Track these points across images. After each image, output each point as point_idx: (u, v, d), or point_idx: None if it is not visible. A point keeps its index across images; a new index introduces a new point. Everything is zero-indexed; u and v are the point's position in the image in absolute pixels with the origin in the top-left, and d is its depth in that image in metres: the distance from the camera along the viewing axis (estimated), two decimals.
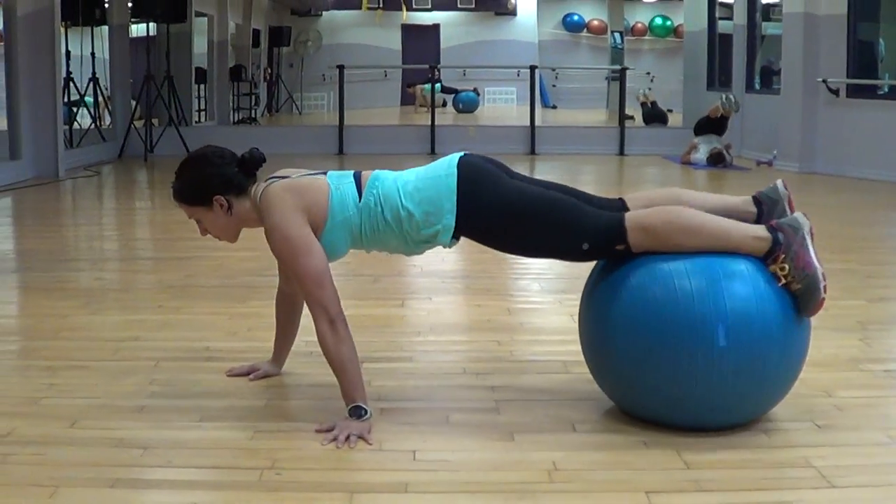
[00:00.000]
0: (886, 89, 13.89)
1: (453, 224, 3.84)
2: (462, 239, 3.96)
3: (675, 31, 31.83)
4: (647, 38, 34.00)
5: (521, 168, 13.33)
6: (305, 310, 4.19)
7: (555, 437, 3.74)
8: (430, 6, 31.85)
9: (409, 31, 31.62)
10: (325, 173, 4.03)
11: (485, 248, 4.10)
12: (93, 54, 15.81)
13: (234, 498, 3.22)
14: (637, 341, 3.65)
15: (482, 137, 17.32)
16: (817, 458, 3.51)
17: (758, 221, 3.84)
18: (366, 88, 27.04)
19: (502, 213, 3.83)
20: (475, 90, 28.63)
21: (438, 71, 23.96)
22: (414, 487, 3.29)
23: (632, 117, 19.84)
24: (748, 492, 3.28)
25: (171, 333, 5.26)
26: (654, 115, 20.67)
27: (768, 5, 16.66)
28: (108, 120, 16.58)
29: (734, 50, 16.83)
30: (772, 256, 3.65)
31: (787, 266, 3.63)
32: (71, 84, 15.13)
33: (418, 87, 27.94)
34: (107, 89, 16.39)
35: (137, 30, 17.60)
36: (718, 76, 18.33)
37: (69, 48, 14.98)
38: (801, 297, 3.66)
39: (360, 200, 3.91)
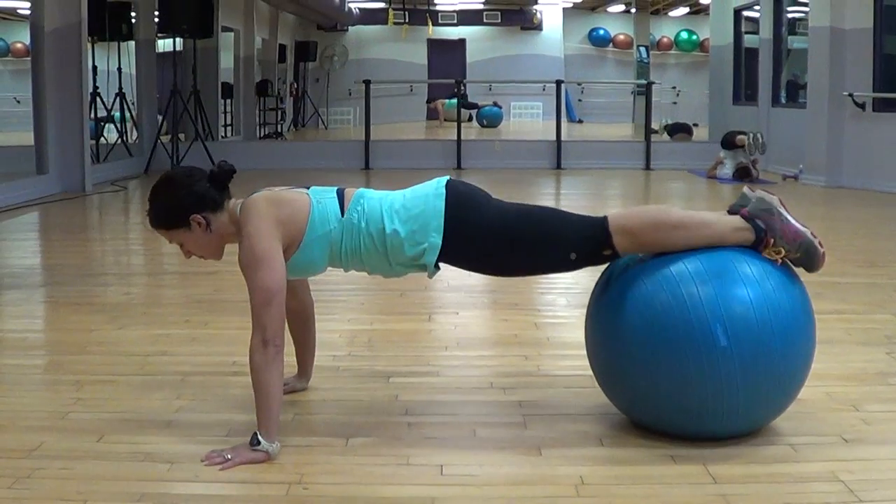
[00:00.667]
0: None
1: (439, 243, 3.80)
2: None
3: (701, 46, 31.83)
4: (672, 52, 33.99)
5: (547, 183, 13.33)
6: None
7: (582, 452, 3.73)
8: (455, 21, 31.93)
9: (434, 45, 31.71)
10: (307, 189, 4.01)
11: None
12: (119, 69, 15.91)
13: None
14: (641, 349, 3.65)
15: (508, 152, 17.34)
16: (845, 472, 3.49)
17: None
18: (392, 103, 27.07)
19: (491, 233, 3.80)
20: (495, 103, 28.65)
21: (464, 86, 23.97)
22: (441, 502, 3.28)
23: (657, 131, 19.84)
24: None
25: (198, 348, 5.27)
26: (678, 127, 20.73)
27: (794, 19, 16.63)
28: (134, 135, 16.65)
29: (760, 64, 16.82)
30: (762, 243, 3.71)
31: (781, 248, 3.70)
32: (98, 99, 15.20)
33: (438, 101, 28.01)
34: (133, 104, 16.45)
35: (164, 45, 17.65)
36: (744, 90, 18.31)
37: (96, 63, 15.06)
38: (804, 262, 3.76)
39: (342, 216, 3.88)
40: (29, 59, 13.67)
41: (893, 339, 5.39)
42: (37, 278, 7.47)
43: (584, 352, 4.87)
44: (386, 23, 26.09)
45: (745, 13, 18.50)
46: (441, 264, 3.90)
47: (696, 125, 22.04)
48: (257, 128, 22.77)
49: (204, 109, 16.59)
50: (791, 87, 16.70)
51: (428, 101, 29.75)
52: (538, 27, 33.05)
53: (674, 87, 31.08)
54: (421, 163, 16.61)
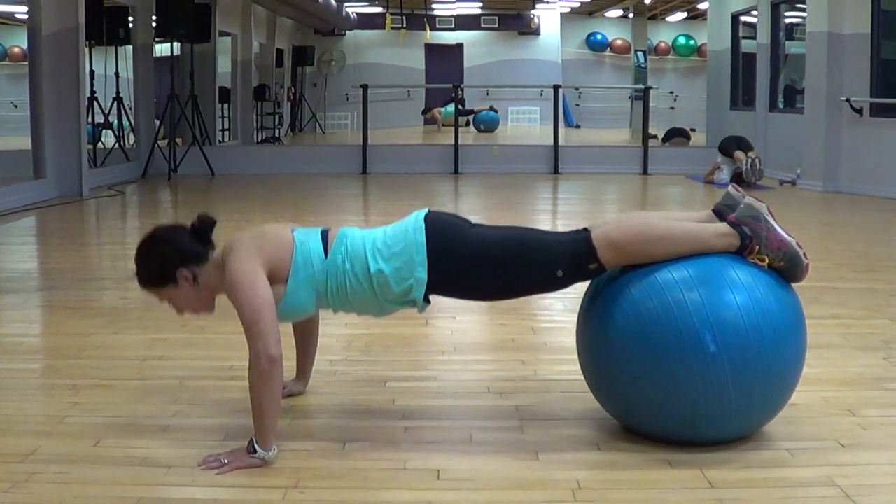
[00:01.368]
0: None
1: (426, 277, 3.78)
2: None
3: (699, 51, 31.89)
4: (670, 57, 34.05)
5: (544, 187, 13.33)
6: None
7: (579, 456, 3.73)
8: (453, 26, 31.95)
9: (432, 50, 31.72)
10: (293, 229, 3.99)
11: None
12: (117, 74, 15.90)
13: None
14: (631, 357, 3.65)
15: (505, 157, 17.35)
16: (841, 477, 3.49)
17: None
18: (389, 108, 27.12)
19: (474, 260, 3.79)
20: (492, 107, 28.68)
21: (462, 91, 23.98)
22: None
23: (655, 136, 19.86)
24: None
25: (195, 352, 5.27)
26: (674, 132, 20.73)
27: (792, 24, 16.64)
28: (131, 139, 16.64)
29: (758, 69, 16.82)
30: (746, 250, 3.71)
31: (765, 256, 3.70)
32: (95, 103, 15.20)
33: (435, 110, 28.03)
34: (131, 109, 16.45)
35: (161, 49, 17.68)
36: (742, 95, 18.32)
37: (93, 67, 15.06)
38: (788, 272, 3.75)
39: (326, 257, 3.85)
40: (26, 63, 13.68)
41: (890, 344, 5.39)
42: (34, 282, 7.47)
43: None
44: (383, 27, 26.10)
45: (743, 18, 18.50)
46: (431, 296, 3.89)
47: (693, 130, 22.06)
48: (255, 132, 22.78)
49: (201, 114, 16.59)
50: (788, 92, 16.72)
51: (424, 112, 29.73)
52: (536, 32, 33.06)
53: (671, 92, 31.17)
54: (418, 167, 16.63)
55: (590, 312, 3.88)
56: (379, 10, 27.92)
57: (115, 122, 16.05)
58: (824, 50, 13.82)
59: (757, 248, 3.70)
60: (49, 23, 12.54)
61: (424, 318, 6.02)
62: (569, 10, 31.51)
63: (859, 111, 13.62)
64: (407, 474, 3.55)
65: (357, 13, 29.45)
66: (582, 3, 29.65)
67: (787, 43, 16.73)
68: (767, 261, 3.69)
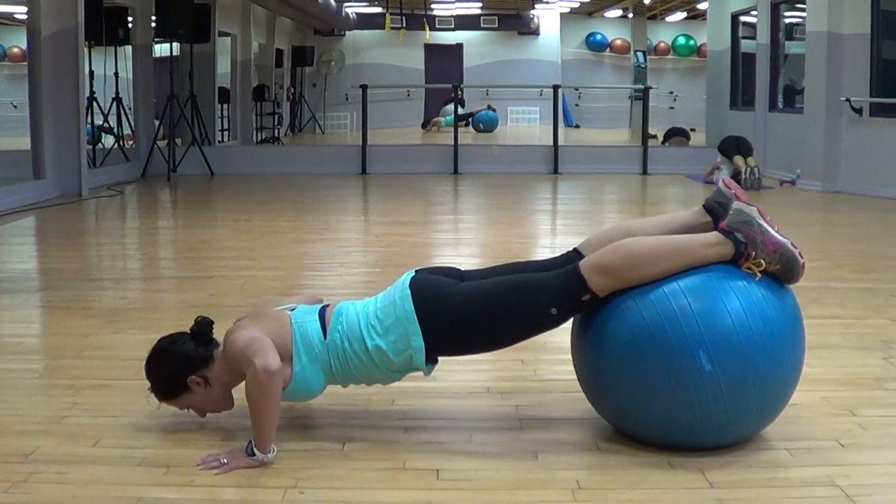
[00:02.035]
0: None
1: (423, 345, 3.77)
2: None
3: (698, 51, 31.88)
4: (670, 57, 34.05)
5: (544, 188, 13.31)
6: None
7: (579, 457, 3.73)
8: (453, 26, 31.95)
9: (431, 50, 31.71)
10: (291, 309, 3.99)
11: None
12: (116, 74, 15.89)
13: None
14: (626, 373, 3.64)
15: (505, 157, 17.35)
16: (841, 476, 3.49)
17: (715, 229, 3.80)
18: (389, 108, 27.12)
19: (466, 318, 3.76)
20: (489, 106, 28.69)
21: (461, 91, 23.97)
22: None
23: (655, 136, 19.86)
24: None
25: None
26: (674, 131, 20.73)
27: (791, 24, 16.64)
28: (130, 140, 16.65)
29: (757, 69, 16.82)
30: (742, 257, 3.64)
31: (762, 261, 3.63)
32: (94, 104, 15.20)
33: (434, 120, 28.05)
34: (130, 109, 16.45)
35: (161, 50, 17.68)
36: (741, 95, 18.32)
37: (93, 68, 15.05)
38: (784, 273, 3.69)
39: (325, 338, 3.85)
40: (26, 63, 13.68)
41: (890, 343, 5.38)
42: (33, 283, 7.46)
43: None
44: (383, 27, 26.06)
45: (743, 18, 18.50)
46: (439, 357, 3.91)
47: (693, 130, 22.05)
48: (254, 132, 22.77)
49: (201, 114, 16.59)
50: (788, 92, 16.72)
51: (423, 126, 29.64)
52: (535, 32, 33.05)
53: (671, 92, 31.16)
54: (418, 168, 16.63)
55: (585, 326, 3.84)
56: (378, 10, 27.90)
57: (115, 122, 16.03)
58: (824, 50, 13.82)
59: (753, 253, 3.63)
60: (48, 23, 12.54)
61: None
62: (568, 10, 31.49)
63: (859, 111, 13.62)
64: (406, 475, 3.55)
65: (356, 13, 29.44)
66: (581, 3, 29.64)
67: (786, 43, 16.73)
68: (764, 266, 3.62)
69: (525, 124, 31.55)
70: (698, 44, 32.13)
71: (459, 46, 32.86)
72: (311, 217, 11.27)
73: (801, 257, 3.69)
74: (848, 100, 13.62)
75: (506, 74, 30.97)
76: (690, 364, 3.49)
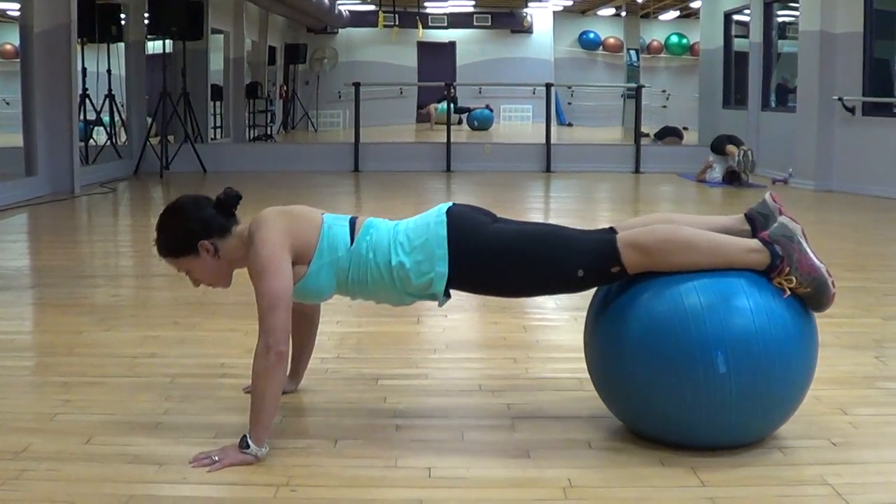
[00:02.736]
0: None
1: (446, 271, 3.78)
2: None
3: (691, 49, 31.91)
4: (662, 55, 34.07)
5: (536, 186, 13.30)
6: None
7: (570, 455, 3.73)
8: (445, 24, 31.96)
9: (424, 48, 31.73)
10: (322, 213, 4.00)
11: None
12: (109, 71, 15.87)
13: None
14: (641, 367, 3.63)
15: (498, 155, 17.35)
16: (833, 475, 3.50)
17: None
18: (381, 106, 27.10)
19: (495, 256, 3.78)
20: (488, 106, 28.71)
21: (454, 89, 24.01)
22: None
23: (647, 135, 19.88)
24: None
25: (186, 350, 5.27)
26: (667, 131, 20.74)
27: (784, 23, 16.66)
28: (123, 137, 16.62)
29: (750, 68, 16.83)
30: (776, 270, 3.63)
31: (793, 278, 3.62)
32: (87, 101, 15.18)
33: (431, 106, 28.03)
34: (123, 106, 16.43)
35: (154, 47, 17.64)
36: (734, 94, 18.34)
37: (85, 65, 15.03)
38: (812, 299, 3.69)
39: (351, 245, 3.86)
40: (18, 60, 13.64)
41: (882, 343, 5.40)
42: (25, 280, 7.46)
43: (573, 355, 4.88)
44: (376, 25, 26.11)
45: (736, 17, 18.52)
46: (451, 291, 3.90)
47: (685, 129, 22.07)
48: (247, 130, 22.74)
49: (193, 111, 16.58)
50: (781, 91, 16.73)
51: (420, 107, 29.70)
52: (528, 30, 33.07)
53: (664, 91, 31.18)
54: (410, 166, 16.63)
55: (602, 314, 3.84)
56: (371, 7, 27.93)
57: (108, 119, 16.01)
58: (817, 49, 13.83)
59: (787, 269, 3.61)
60: (41, 20, 12.52)
61: (416, 315, 6.03)
62: (561, 8, 31.52)
63: (851, 110, 13.63)
64: (398, 472, 3.55)
65: (349, 11, 29.43)
66: (574, 1, 29.69)
67: (779, 42, 16.74)
68: (794, 283, 3.62)
69: (518, 122, 31.57)
70: (691, 42, 32.16)
71: (452, 44, 32.88)
72: None
73: (833, 287, 3.68)
74: (840, 99, 13.63)
75: (499, 72, 30.98)
76: (707, 365, 3.50)
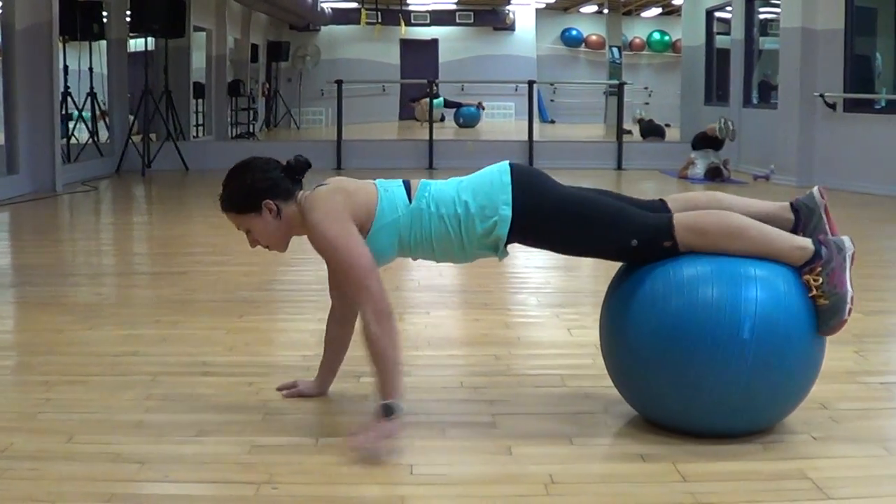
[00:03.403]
0: (883, 103, 13.96)
1: (510, 215, 3.83)
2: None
3: (673, 46, 31.93)
4: (645, 52, 34.09)
5: None
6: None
7: (552, 451, 3.74)
8: (428, 21, 31.91)
9: (407, 45, 31.69)
10: (373, 180, 4.04)
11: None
12: (90, 69, 15.83)
13: None
14: (661, 345, 3.69)
15: (480, 152, 17.25)
16: (813, 469, 3.52)
17: (794, 229, 3.93)
18: (364, 103, 27.07)
19: (556, 211, 3.88)
20: (479, 104, 28.71)
21: (437, 86, 23.98)
22: (411, 501, 3.29)
23: (630, 132, 19.90)
24: (745, 503, 3.29)
25: (168, 348, 5.26)
26: (651, 130, 20.71)
27: (766, 20, 16.70)
28: (105, 135, 16.57)
29: (732, 65, 16.86)
30: (809, 266, 3.72)
31: (820, 279, 3.70)
32: (69, 99, 15.14)
33: (423, 100, 27.98)
34: (104, 104, 16.39)
35: (136, 44, 17.61)
36: (716, 91, 18.37)
37: (67, 63, 14.99)
38: (825, 314, 3.73)
39: (410, 203, 3.92)
40: None
41: (862, 337, 5.41)
42: (7, 278, 7.44)
43: (555, 351, 4.90)
44: (359, 23, 26.11)
45: (718, 14, 18.55)
46: (509, 248, 3.97)
47: (668, 126, 22.10)
48: (229, 128, 22.70)
49: (175, 109, 16.56)
50: (762, 88, 16.77)
51: (412, 101, 29.61)
52: (511, 27, 33.05)
53: (646, 88, 31.22)
54: (393, 163, 16.61)
55: (618, 299, 3.92)
56: (354, 5, 27.90)
57: (89, 116, 15.97)
58: (798, 46, 13.88)
59: (818, 269, 3.70)
60: (22, 17, 12.48)
61: (398, 313, 5.99)
62: (544, 5, 31.51)
63: (833, 106, 13.68)
64: (380, 469, 3.55)
65: (332, 8, 29.36)
66: None
67: (761, 39, 16.77)
68: (819, 283, 3.70)
69: (500, 119, 31.54)
70: (673, 39, 32.18)
71: (435, 42, 32.84)
72: None
73: (848, 315, 3.74)
74: (822, 95, 13.68)
75: (481, 70, 30.94)
76: (731, 334, 3.58)
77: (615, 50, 30.03)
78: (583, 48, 34.41)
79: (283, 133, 27.23)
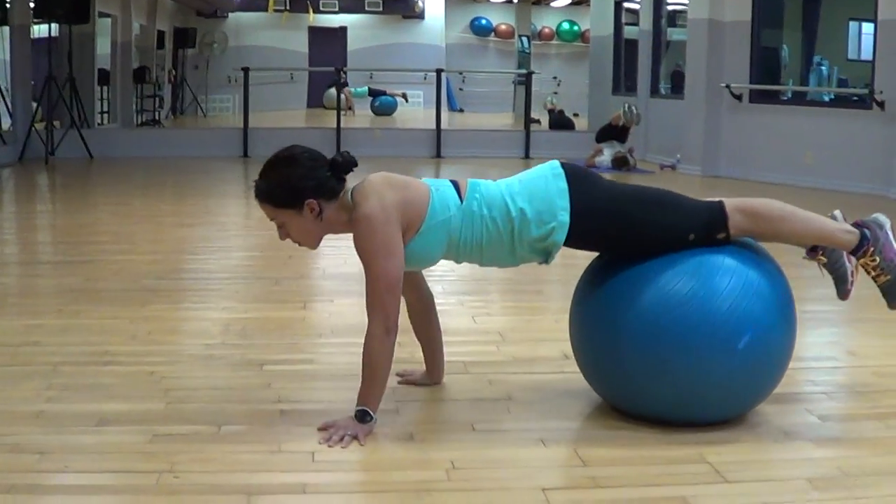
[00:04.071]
0: (789, 95, 14.14)
1: (568, 221, 3.80)
2: None
3: (582, 36, 32.03)
4: (554, 42, 34.18)
5: (426, 171, 13.24)
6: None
7: (454, 437, 3.76)
8: (337, 9, 31.78)
9: (315, 33, 31.54)
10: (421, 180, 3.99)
11: None
12: None
13: (132, 502, 3.20)
14: (650, 334, 3.72)
15: (388, 140, 17.33)
16: (712, 454, 3.57)
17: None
18: (272, 91, 26.90)
19: (612, 212, 3.86)
20: (404, 95, 28.75)
21: (345, 73, 23.92)
22: (312, 488, 3.29)
23: (538, 121, 19.97)
24: (645, 487, 3.33)
25: (70, 338, 5.19)
26: (561, 123, 20.76)
27: (674, 11, 16.84)
28: (7, 122, 16.35)
29: (640, 55, 16.97)
30: (861, 250, 3.82)
31: (877, 258, 3.81)
32: None
33: (346, 90, 27.90)
34: (7, 91, 16.17)
35: (39, 30, 17.37)
36: (624, 81, 18.49)
37: None
38: (889, 289, 3.85)
39: (461, 203, 3.87)
40: None
41: None
42: None
43: (459, 338, 4.91)
44: (266, 10, 25.96)
45: (626, 4, 18.67)
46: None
47: (576, 115, 22.21)
48: (134, 115, 22.47)
49: (80, 96, 16.35)
50: (676, 78, 16.89)
51: (335, 87, 29.46)
52: (420, 16, 33.01)
53: (555, 78, 31.30)
54: None
55: (600, 297, 3.94)
56: None
57: None
58: (705, 37, 14.03)
59: (871, 250, 3.80)
60: None
61: (302, 301, 6.03)
62: None
63: (739, 97, 13.85)
64: (282, 457, 3.55)
65: None
66: None
67: (669, 29, 16.91)
68: (877, 263, 3.80)
69: (410, 108, 31.54)
70: (582, 29, 32.31)
71: (343, 29, 32.72)
72: (192, 201, 11.17)
73: None
74: (728, 86, 13.83)
75: (390, 58, 30.87)
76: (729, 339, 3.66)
77: (524, 39, 30.19)
78: (492, 37, 34.44)
79: (190, 120, 27.01)
